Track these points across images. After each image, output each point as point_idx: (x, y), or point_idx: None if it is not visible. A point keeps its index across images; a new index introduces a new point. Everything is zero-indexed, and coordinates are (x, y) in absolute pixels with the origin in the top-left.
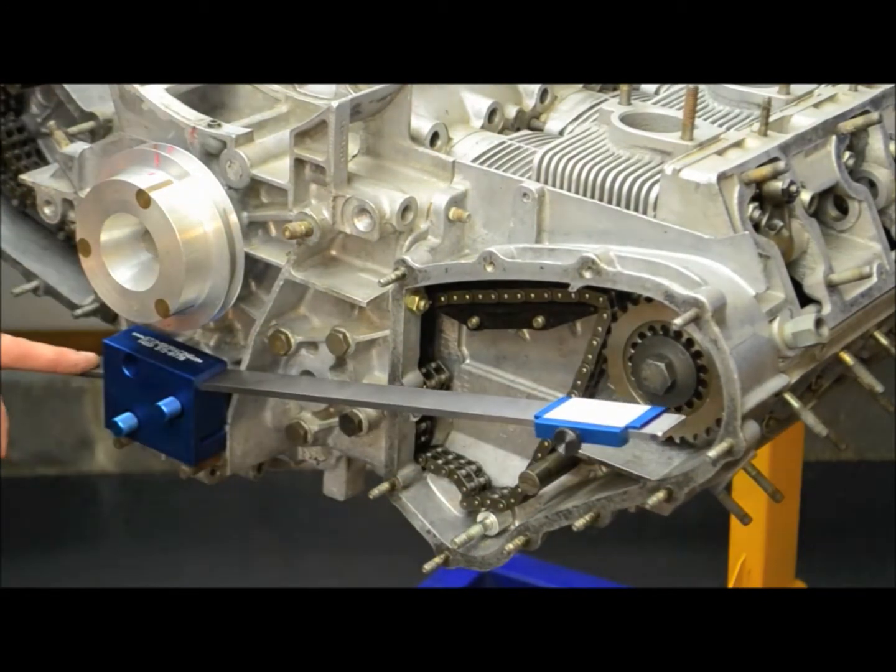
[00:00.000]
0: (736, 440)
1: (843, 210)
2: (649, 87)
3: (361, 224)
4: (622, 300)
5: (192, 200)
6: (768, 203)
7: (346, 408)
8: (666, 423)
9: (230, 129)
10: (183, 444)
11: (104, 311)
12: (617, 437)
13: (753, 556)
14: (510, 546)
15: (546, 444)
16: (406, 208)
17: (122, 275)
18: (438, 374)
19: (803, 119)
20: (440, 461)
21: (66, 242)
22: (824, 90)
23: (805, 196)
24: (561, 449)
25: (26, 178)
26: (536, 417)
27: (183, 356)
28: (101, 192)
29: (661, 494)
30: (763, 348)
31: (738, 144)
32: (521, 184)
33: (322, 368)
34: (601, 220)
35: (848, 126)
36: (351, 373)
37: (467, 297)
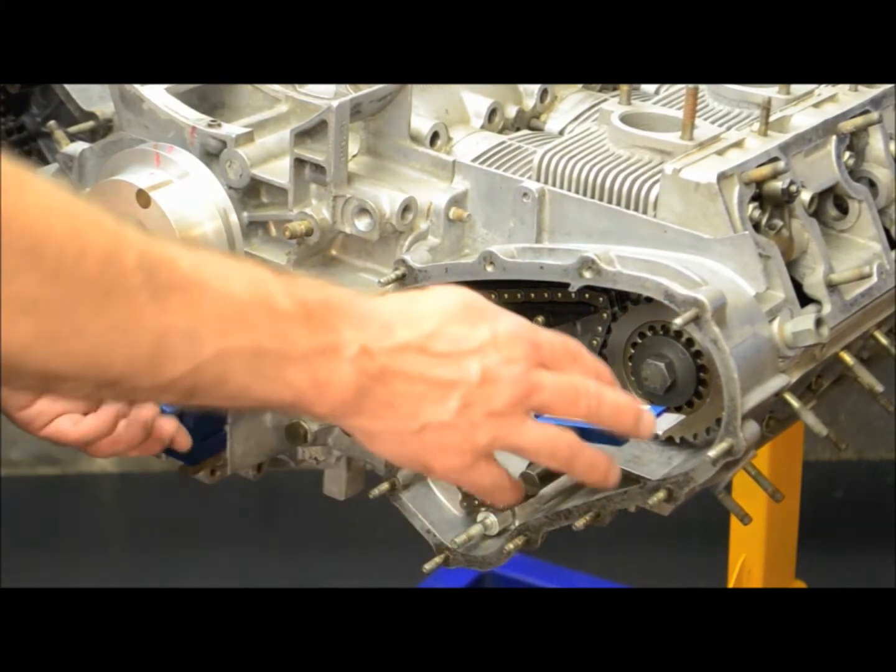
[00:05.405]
0: (736, 440)
1: (843, 210)
2: (649, 87)
3: (361, 224)
4: (622, 300)
5: (192, 200)
6: (768, 203)
7: None
8: (666, 422)
9: (230, 129)
10: None
11: None
12: (618, 437)
13: (753, 556)
14: (510, 546)
15: None
16: (406, 208)
17: None
18: None
19: (803, 119)
20: None
21: None
22: (824, 90)
23: (805, 196)
24: None
25: None
26: (537, 417)
27: None
28: (101, 192)
29: (661, 494)
30: (763, 348)
31: (738, 144)
32: (521, 184)
33: None
34: (601, 220)
35: (848, 126)
36: None
37: None
